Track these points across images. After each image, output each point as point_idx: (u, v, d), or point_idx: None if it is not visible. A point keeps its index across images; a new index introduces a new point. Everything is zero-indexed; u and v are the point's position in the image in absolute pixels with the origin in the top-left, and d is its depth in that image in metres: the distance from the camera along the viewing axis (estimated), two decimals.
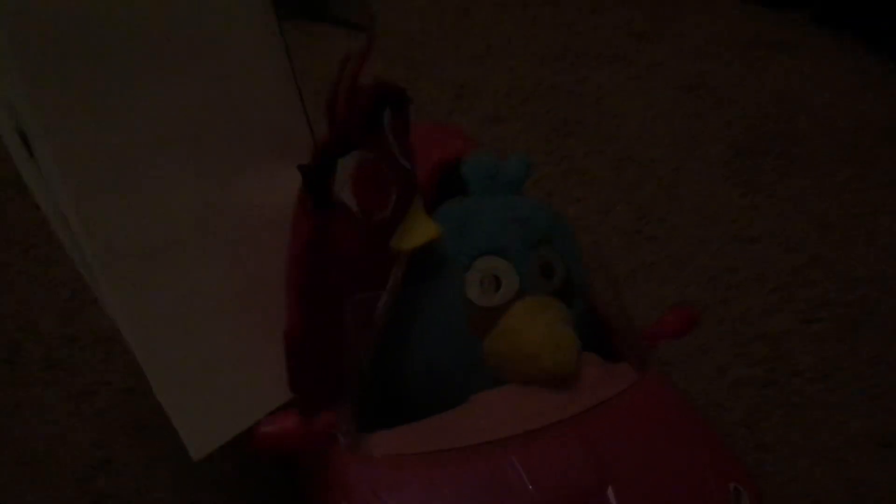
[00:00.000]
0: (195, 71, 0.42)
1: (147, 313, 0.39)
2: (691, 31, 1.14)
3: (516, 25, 1.11)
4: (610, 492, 0.42)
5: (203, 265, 0.42)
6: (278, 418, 0.42)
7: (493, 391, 0.46)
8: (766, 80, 1.04)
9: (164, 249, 0.40)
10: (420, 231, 0.47)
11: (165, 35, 0.41)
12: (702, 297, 0.73)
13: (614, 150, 0.91)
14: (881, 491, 0.59)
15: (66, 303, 0.66)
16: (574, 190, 0.85)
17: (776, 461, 0.60)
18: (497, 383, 0.46)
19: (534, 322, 0.46)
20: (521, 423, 0.44)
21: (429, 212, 0.49)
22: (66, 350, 0.63)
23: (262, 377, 0.43)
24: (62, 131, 0.38)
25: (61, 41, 0.38)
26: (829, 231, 0.82)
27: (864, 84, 1.04)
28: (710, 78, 1.03)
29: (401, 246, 0.46)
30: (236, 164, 0.44)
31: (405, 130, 0.48)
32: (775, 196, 0.86)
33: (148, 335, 0.40)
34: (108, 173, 0.39)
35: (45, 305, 0.67)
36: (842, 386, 0.67)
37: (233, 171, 0.43)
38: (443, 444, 0.43)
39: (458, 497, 0.41)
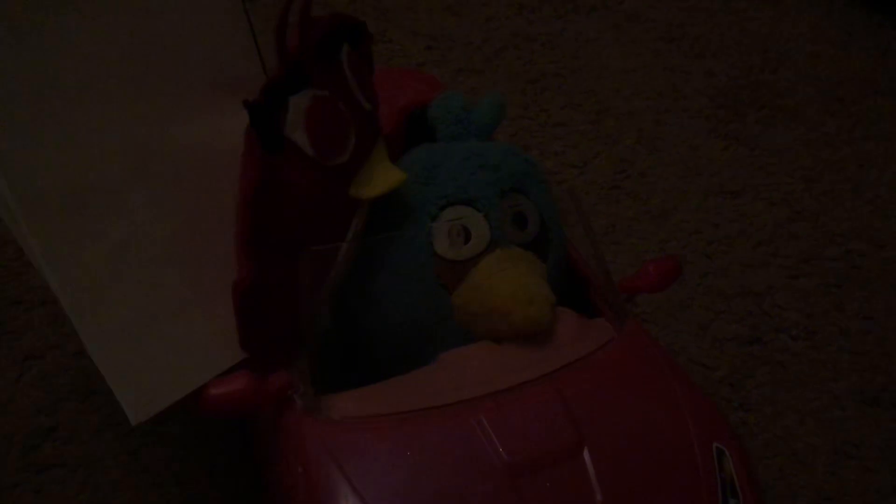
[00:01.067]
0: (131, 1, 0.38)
1: (77, 266, 0.36)
2: None
3: None
4: (586, 454, 0.39)
5: (140, 213, 0.38)
6: (228, 380, 0.38)
7: (462, 349, 0.43)
8: (749, 30, 1.00)
9: (95, 195, 0.36)
10: (382, 178, 0.43)
11: None
12: (683, 252, 0.71)
13: (592, 103, 0.87)
14: (869, 449, 0.57)
15: (9, 263, 0.62)
16: (551, 143, 0.82)
17: (761, 420, 0.58)
18: (467, 340, 0.43)
19: (505, 276, 0.43)
20: (492, 383, 0.41)
21: (394, 161, 0.45)
22: (9, 313, 0.59)
23: (209, 335, 0.40)
24: None
25: None
26: (815, 184, 0.79)
27: (848, 35, 1.01)
28: (691, 28, 1.00)
29: (361, 193, 0.42)
30: (178, 103, 0.40)
31: (366, 69, 0.45)
32: (759, 148, 0.83)
33: (79, 290, 0.36)
34: (28, 110, 0.35)
35: None
36: (828, 343, 0.64)
37: (174, 110, 0.39)
38: (407, 406, 0.40)
39: (423, 462, 0.38)
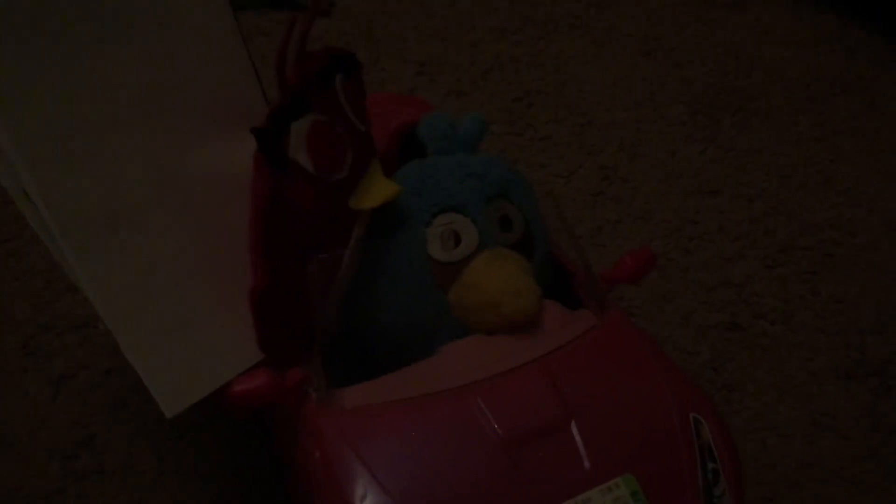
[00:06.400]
0: (147, 44, 0.43)
1: (112, 281, 0.41)
2: None
3: (476, 2, 1.12)
4: (573, 426, 0.43)
5: (165, 231, 0.43)
6: (250, 377, 0.43)
7: (458, 341, 0.47)
8: (722, 38, 1.06)
9: (124, 217, 0.41)
10: (379, 190, 0.48)
11: (115, 9, 0.42)
12: (666, 250, 0.75)
13: (575, 116, 0.92)
14: (844, 419, 0.61)
15: (39, 292, 0.67)
16: (538, 156, 0.87)
17: (743, 398, 0.62)
18: (463, 334, 0.48)
19: (494, 273, 0.48)
20: (487, 370, 0.45)
21: (389, 177, 0.50)
22: (42, 337, 0.64)
23: (232, 337, 0.44)
24: (17, 104, 0.39)
25: (12, 14, 0.39)
26: (789, 180, 0.84)
27: (817, 38, 1.06)
28: (666, 40, 1.05)
29: (360, 205, 0.47)
30: (192, 134, 0.45)
31: (359, 94, 0.50)
32: (735, 149, 0.88)
33: (115, 302, 0.41)
34: (65, 144, 0.40)
35: (19, 296, 0.68)
36: (804, 325, 0.69)
37: (189, 141, 0.44)
38: (411, 393, 0.44)
39: (427, 441, 0.42)
